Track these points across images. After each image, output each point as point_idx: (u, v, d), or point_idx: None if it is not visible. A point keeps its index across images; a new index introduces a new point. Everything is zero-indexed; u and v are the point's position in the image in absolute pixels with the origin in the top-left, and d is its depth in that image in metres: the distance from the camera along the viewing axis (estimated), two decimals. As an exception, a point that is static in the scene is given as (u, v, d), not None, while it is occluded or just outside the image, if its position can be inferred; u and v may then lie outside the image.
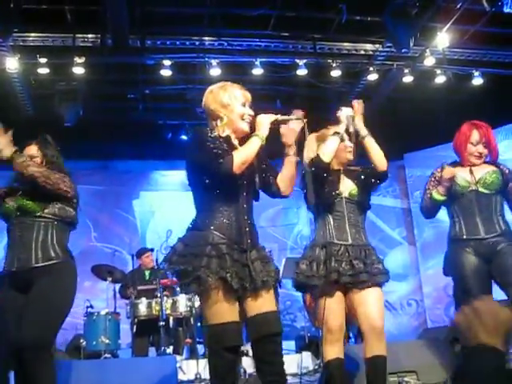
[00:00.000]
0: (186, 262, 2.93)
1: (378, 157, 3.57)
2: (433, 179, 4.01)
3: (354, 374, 3.77)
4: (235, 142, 3.13)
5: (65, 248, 3.62)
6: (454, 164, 4.04)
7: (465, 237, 3.89)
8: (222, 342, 2.88)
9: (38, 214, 3.54)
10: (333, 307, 3.45)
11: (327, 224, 3.56)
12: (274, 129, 3.08)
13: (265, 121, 3.05)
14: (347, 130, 3.62)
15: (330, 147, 3.52)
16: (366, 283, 3.43)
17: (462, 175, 3.93)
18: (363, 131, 3.60)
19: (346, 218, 3.53)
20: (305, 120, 3.12)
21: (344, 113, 3.62)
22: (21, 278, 3.43)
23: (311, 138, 3.62)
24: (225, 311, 2.90)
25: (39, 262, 3.46)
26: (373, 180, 3.60)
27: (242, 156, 2.95)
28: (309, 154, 3.60)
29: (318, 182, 3.43)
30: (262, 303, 2.97)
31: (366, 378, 3.43)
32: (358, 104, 3.67)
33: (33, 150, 3.72)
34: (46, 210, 3.55)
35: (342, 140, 3.56)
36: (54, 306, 3.42)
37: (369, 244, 3.58)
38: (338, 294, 3.48)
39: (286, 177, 3.18)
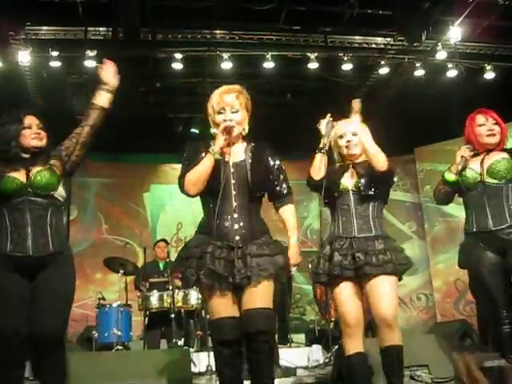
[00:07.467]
0: (180, 263, 3.18)
1: (371, 157, 3.45)
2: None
3: (373, 367, 3.74)
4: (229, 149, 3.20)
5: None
6: (473, 154, 3.95)
7: (475, 230, 3.84)
8: (216, 337, 3.08)
9: (51, 193, 3.31)
10: (345, 301, 3.46)
11: (336, 219, 3.59)
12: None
13: (218, 134, 3.15)
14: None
15: (315, 165, 3.56)
16: (370, 275, 3.36)
17: (473, 167, 3.88)
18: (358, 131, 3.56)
19: (353, 210, 3.51)
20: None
21: (323, 125, 3.61)
22: (33, 263, 3.22)
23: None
24: (217, 307, 3.06)
25: (56, 248, 3.28)
26: (376, 176, 3.47)
27: (193, 176, 3.15)
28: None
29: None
30: (249, 300, 3.03)
31: (382, 369, 3.40)
32: (355, 103, 3.58)
33: (33, 119, 3.48)
34: (58, 190, 3.35)
35: (325, 153, 3.55)
36: (67, 295, 3.34)
37: (380, 235, 3.49)
38: (351, 288, 3.47)
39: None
